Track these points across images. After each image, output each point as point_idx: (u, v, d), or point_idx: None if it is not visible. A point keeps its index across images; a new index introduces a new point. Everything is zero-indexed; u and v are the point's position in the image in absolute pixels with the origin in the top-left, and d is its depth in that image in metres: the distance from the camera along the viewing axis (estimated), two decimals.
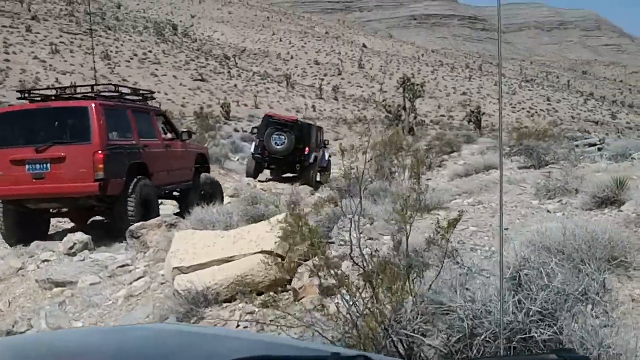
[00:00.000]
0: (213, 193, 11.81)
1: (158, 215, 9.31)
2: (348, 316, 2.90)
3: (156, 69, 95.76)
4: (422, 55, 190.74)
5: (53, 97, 9.77)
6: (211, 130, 39.86)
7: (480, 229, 6.04)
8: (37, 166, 8.76)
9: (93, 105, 8.84)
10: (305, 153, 19.83)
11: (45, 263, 8.46)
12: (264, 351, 1.46)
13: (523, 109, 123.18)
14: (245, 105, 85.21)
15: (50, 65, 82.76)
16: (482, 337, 2.69)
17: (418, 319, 2.81)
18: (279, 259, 5.07)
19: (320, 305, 3.30)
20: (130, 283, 6.58)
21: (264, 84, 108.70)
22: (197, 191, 11.41)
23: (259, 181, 19.34)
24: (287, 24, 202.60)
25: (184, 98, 79.38)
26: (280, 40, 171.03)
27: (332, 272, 3.18)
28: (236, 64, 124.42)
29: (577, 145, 14.47)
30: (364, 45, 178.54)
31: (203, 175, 11.99)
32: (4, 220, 9.56)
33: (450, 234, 3.16)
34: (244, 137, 32.20)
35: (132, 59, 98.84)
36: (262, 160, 19.96)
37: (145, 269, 7.00)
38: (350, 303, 2.96)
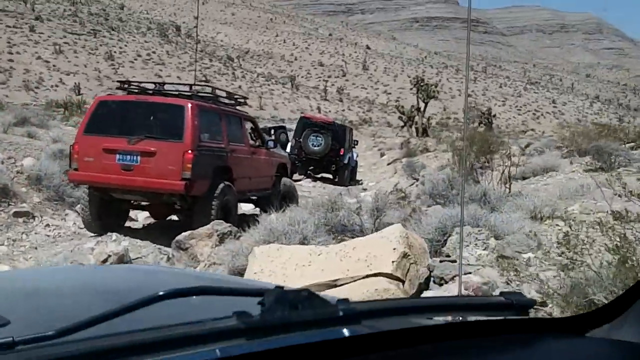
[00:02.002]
0: (289, 197, 11.78)
1: (236, 221, 9.09)
2: None
3: (160, 70, 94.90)
4: (426, 57, 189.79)
5: (151, 92, 9.81)
6: None
7: None
8: (128, 157, 8.77)
9: (190, 105, 8.84)
10: (341, 154, 20.53)
11: None
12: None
13: (529, 111, 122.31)
14: (250, 106, 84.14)
15: (54, 65, 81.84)
16: None
17: None
18: (401, 284, 3.98)
19: None
20: None
21: (268, 85, 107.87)
22: (276, 197, 11.28)
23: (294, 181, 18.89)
24: (290, 26, 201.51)
25: None
26: (284, 42, 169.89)
27: None
28: (240, 65, 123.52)
29: None
30: (368, 47, 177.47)
31: (284, 179, 11.98)
32: (90, 207, 9.58)
33: None
34: None
35: (136, 59, 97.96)
36: (298, 161, 20.15)
37: None
38: None
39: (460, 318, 1.24)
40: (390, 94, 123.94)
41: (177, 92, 9.95)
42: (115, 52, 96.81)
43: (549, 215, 5.70)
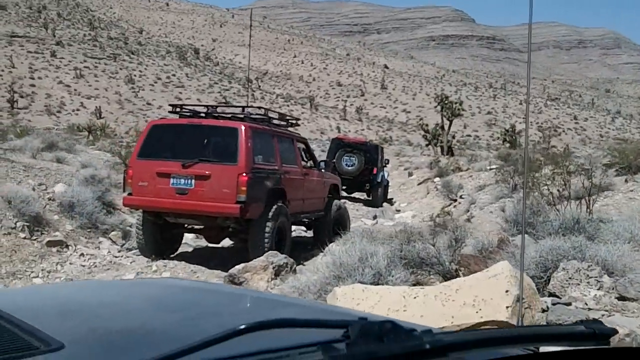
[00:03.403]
0: (342, 222, 11.51)
1: (290, 246, 9.12)
2: None
3: (180, 92, 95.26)
4: (444, 75, 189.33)
5: (203, 115, 9.76)
6: None
7: None
8: (182, 181, 8.71)
9: (243, 127, 8.75)
10: (374, 173, 20.70)
11: None
12: (280, 313, 1.54)
13: (550, 127, 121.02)
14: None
15: (75, 89, 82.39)
16: None
17: None
18: None
19: None
20: None
21: (288, 105, 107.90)
22: (329, 221, 11.12)
23: None
24: (308, 47, 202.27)
25: None
26: (302, 63, 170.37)
27: None
28: (259, 86, 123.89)
29: None
30: (386, 66, 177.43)
31: (336, 202, 11.67)
32: (144, 232, 9.52)
33: None
34: None
35: (156, 82, 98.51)
36: None
37: None
38: None
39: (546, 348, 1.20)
40: (409, 112, 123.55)
41: (229, 115, 9.83)
42: (135, 75, 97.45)
43: None
